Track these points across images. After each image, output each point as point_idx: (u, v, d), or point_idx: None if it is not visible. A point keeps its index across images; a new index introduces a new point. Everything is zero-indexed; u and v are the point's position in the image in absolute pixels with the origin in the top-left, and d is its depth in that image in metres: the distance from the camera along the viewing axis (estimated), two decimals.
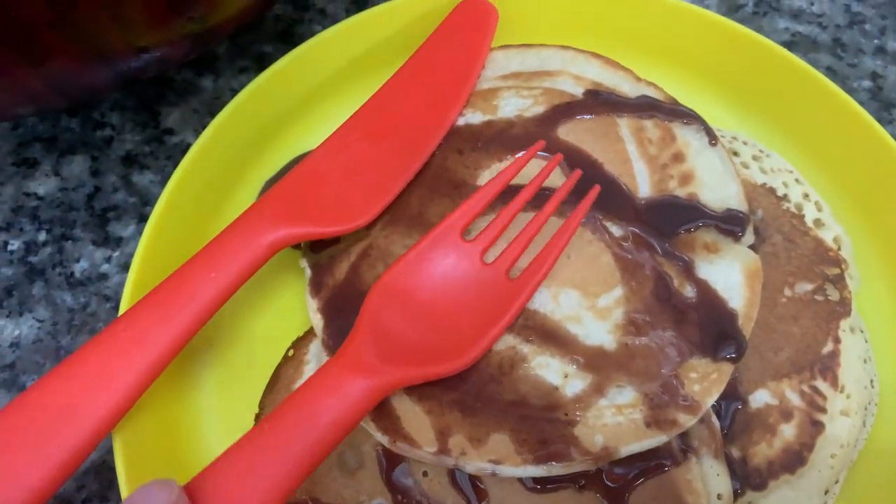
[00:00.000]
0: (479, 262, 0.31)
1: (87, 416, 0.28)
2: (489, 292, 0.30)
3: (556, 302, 0.31)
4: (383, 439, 0.29)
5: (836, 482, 0.32)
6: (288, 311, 0.35)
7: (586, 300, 0.31)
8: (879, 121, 0.38)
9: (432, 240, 0.31)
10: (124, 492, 0.29)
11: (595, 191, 0.32)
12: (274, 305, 0.36)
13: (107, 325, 0.29)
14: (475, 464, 0.28)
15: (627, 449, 0.28)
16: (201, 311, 0.30)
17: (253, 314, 0.36)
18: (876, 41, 0.46)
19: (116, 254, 0.39)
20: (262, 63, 0.45)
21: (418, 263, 0.31)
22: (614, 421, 0.28)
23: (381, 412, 0.29)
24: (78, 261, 0.39)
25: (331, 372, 0.28)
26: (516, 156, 0.34)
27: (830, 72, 0.45)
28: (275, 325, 0.35)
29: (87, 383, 0.28)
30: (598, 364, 0.30)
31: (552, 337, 0.30)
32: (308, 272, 0.34)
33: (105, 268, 0.39)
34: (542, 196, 0.33)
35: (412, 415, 0.29)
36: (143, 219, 0.40)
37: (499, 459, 0.28)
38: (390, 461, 0.30)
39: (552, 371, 0.30)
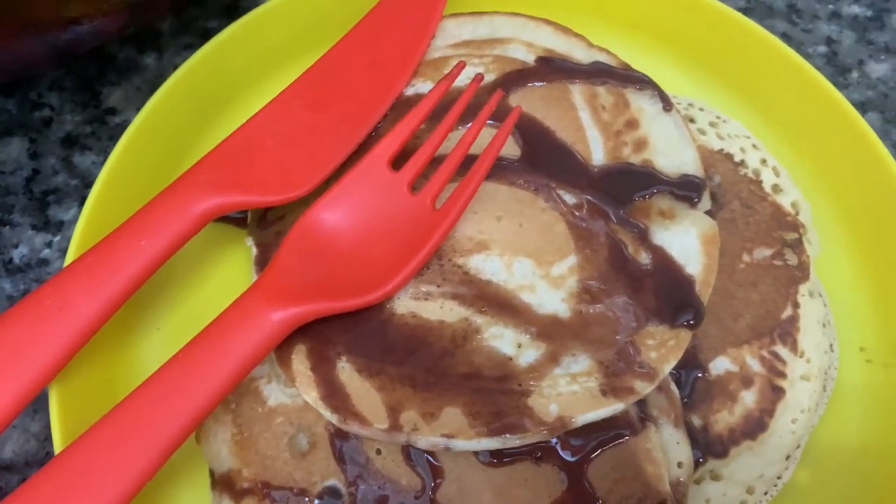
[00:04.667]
0: (405, 193, 0.31)
1: (4, 385, 0.27)
2: (413, 223, 0.30)
3: (509, 271, 0.30)
4: (333, 418, 0.28)
5: (798, 447, 0.32)
6: (235, 290, 0.34)
7: (540, 269, 0.30)
8: (835, 86, 0.38)
9: (358, 172, 0.31)
10: None
11: (516, 111, 0.32)
12: (220, 284, 0.35)
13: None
14: (428, 439, 0.27)
15: (583, 418, 0.27)
16: (130, 279, 0.29)
17: (199, 293, 0.35)
18: (831, 6, 0.46)
19: (57, 238, 0.38)
20: (207, 39, 0.43)
21: (343, 197, 0.30)
22: (569, 390, 0.28)
23: (331, 391, 0.28)
24: (17, 246, 0.38)
25: (244, 304, 0.28)
26: (468, 125, 0.33)
27: (786, 38, 0.45)
28: (222, 304, 0.34)
29: (7, 351, 0.27)
30: (552, 333, 0.29)
31: (505, 307, 0.30)
32: (254, 250, 0.33)
33: (46, 253, 0.38)
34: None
35: (362, 392, 0.28)
36: (85, 202, 0.39)
37: (452, 433, 0.27)
38: (342, 440, 0.29)
39: (506, 342, 0.29)
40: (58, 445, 0.29)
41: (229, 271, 0.35)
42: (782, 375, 0.32)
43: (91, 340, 0.30)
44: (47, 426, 0.34)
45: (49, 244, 0.38)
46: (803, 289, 0.34)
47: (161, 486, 0.31)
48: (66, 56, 0.35)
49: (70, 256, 0.32)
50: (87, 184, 0.39)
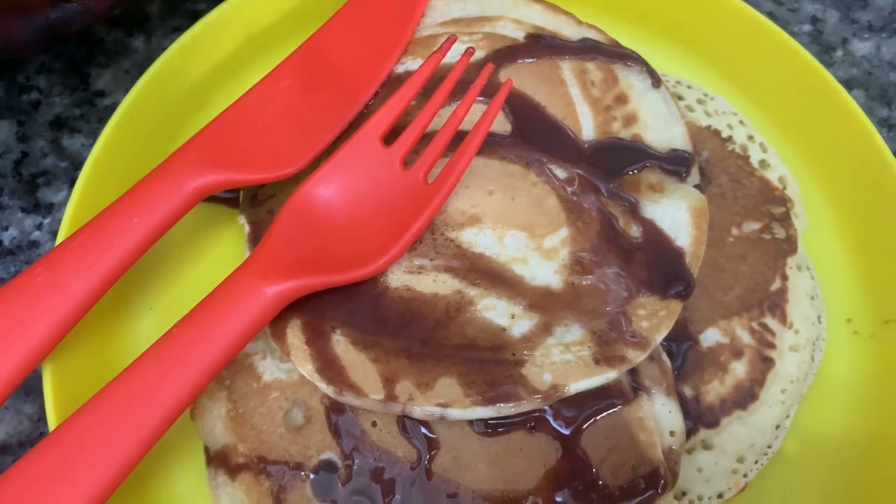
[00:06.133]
0: (397, 168, 0.31)
1: None
2: (406, 197, 0.30)
3: (501, 244, 0.30)
4: (328, 390, 0.28)
5: (787, 417, 0.33)
6: (228, 269, 0.34)
7: (532, 241, 0.31)
8: (821, 63, 0.38)
9: (350, 148, 0.31)
10: None
11: (507, 85, 0.32)
12: (213, 264, 0.35)
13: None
14: (423, 408, 0.27)
15: (576, 386, 0.27)
16: (122, 257, 0.29)
17: (192, 274, 0.35)
18: None
19: (48, 220, 0.38)
20: (195, 21, 0.43)
21: (336, 172, 0.30)
22: (562, 359, 0.28)
23: (326, 363, 0.28)
24: (6, 229, 0.37)
25: (238, 278, 0.28)
26: (458, 101, 0.33)
27: (771, 17, 0.45)
28: (215, 284, 0.34)
29: None
30: (545, 304, 0.29)
31: (498, 279, 0.30)
32: (246, 228, 0.33)
33: (36, 235, 0.37)
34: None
35: (357, 364, 0.28)
36: (75, 184, 0.39)
37: (447, 403, 0.27)
38: (338, 413, 0.29)
39: (499, 313, 0.29)
40: (52, 424, 0.29)
41: (222, 251, 0.35)
42: (772, 346, 0.32)
43: (85, 320, 0.29)
44: (41, 407, 0.34)
45: (39, 226, 0.38)
46: (791, 262, 0.34)
47: (156, 463, 0.31)
48: (54, 37, 0.35)
49: (61, 237, 0.32)
50: (77, 166, 0.39)
